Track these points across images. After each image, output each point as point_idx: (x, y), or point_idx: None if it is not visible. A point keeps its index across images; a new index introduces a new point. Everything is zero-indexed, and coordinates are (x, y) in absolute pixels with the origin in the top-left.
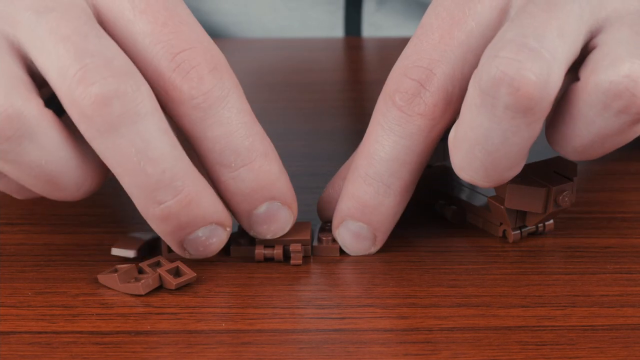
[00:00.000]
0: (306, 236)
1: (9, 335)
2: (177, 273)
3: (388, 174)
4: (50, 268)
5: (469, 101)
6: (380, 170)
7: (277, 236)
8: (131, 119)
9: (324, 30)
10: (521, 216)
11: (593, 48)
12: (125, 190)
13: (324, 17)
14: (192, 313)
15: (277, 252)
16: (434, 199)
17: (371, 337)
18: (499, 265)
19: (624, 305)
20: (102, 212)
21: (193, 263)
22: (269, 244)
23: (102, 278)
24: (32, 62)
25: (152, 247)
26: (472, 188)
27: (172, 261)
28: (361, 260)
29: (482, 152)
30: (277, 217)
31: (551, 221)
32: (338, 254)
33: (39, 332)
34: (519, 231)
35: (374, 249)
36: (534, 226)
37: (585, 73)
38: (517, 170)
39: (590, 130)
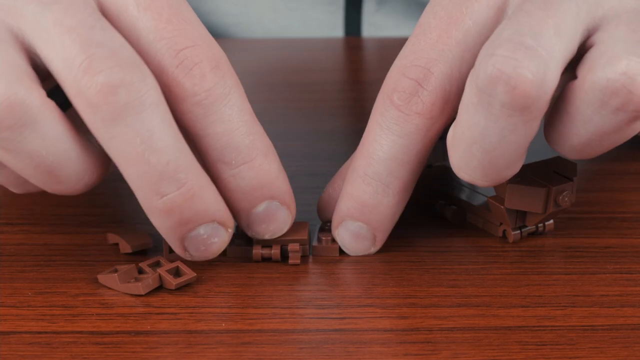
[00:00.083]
0: (304, 236)
1: (9, 335)
2: (177, 273)
3: (386, 173)
4: (50, 268)
5: (466, 100)
6: (379, 170)
7: (276, 236)
8: (136, 108)
9: (324, 30)
10: (521, 216)
11: (590, 46)
12: (128, 183)
13: (324, 17)
14: (192, 313)
15: (275, 251)
16: (434, 199)
17: (371, 337)
18: (499, 265)
19: (624, 305)
20: (102, 212)
21: (193, 263)
22: (266, 244)
23: (102, 278)
24: (35, 55)
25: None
26: (472, 188)
27: (172, 261)
28: (361, 260)
29: (479, 151)
30: (275, 217)
31: (551, 221)
32: (337, 254)
33: (39, 332)
34: (519, 231)
35: (373, 249)
36: (534, 226)
37: (583, 71)
38: (516, 169)
39: (588, 129)
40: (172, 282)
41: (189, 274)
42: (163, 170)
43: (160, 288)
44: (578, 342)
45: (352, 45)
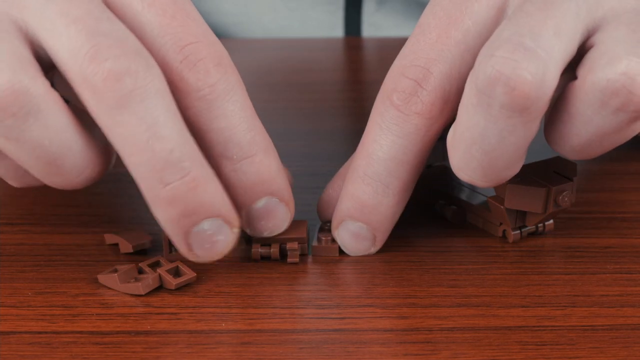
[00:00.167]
0: (302, 234)
1: (9, 335)
2: (177, 273)
3: (386, 173)
4: (50, 268)
5: (465, 101)
6: (379, 170)
7: (274, 234)
8: (142, 96)
9: (324, 30)
10: (521, 216)
11: (590, 47)
12: (132, 174)
13: (324, 17)
14: (192, 313)
15: (274, 250)
16: (434, 199)
17: (371, 337)
18: (499, 265)
19: (624, 305)
20: (102, 212)
21: (193, 263)
22: (265, 242)
23: (102, 278)
24: (39, 46)
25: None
26: (472, 188)
27: (172, 261)
28: (361, 260)
29: (479, 152)
30: (274, 214)
31: (551, 221)
32: (337, 254)
33: (39, 332)
34: (518, 231)
35: (373, 250)
36: (534, 226)
37: (583, 72)
38: (515, 169)
39: (588, 129)
40: (172, 282)
41: (189, 274)
42: (167, 158)
43: (160, 288)
44: (578, 342)
45: (352, 45)
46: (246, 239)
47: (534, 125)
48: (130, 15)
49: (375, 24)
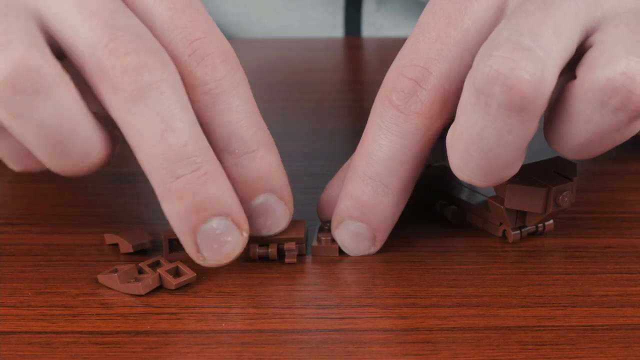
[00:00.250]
0: (300, 234)
1: (9, 335)
2: (177, 273)
3: (386, 173)
4: (50, 268)
5: (464, 100)
6: (378, 170)
7: (272, 233)
8: (158, 89)
9: (324, 30)
10: (521, 216)
11: (590, 46)
12: (144, 167)
13: (324, 17)
14: (192, 313)
15: (272, 250)
16: (434, 199)
17: (371, 337)
18: (499, 265)
19: (624, 305)
20: (102, 212)
21: (193, 263)
22: (263, 242)
23: (102, 278)
24: (52, 37)
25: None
26: (472, 188)
27: (172, 261)
28: (361, 260)
29: (478, 152)
30: (273, 211)
31: (551, 221)
32: (337, 254)
33: (39, 332)
34: (518, 231)
35: (373, 250)
36: (533, 226)
37: (582, 71)
38: (515, 169)
39: (587, 129)
40: (172, 282)
41: (189, 274)
42: (180, 152)
43: (160, 288)
44: (578, 342)
45: (352, 45)
46: None
47: (533, 124)
48: (141, 8)
49: (375, 24)
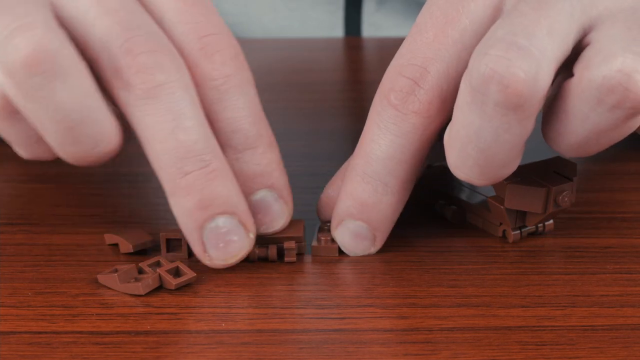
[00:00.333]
0: (299, 233)
1: (9, 335)
2: (177, 273)
3: (385, 172)
4: (50, 268)
5: (460, 99)
6: (378, 169)
7: (270, 230)
8: (171, 89)
9: (324, 30)
10: (521, 216)
11: (586, 45)
12: (153, 163)
13: (324, 17)
14: (192, 313)
15: (271, 251)
16: (434, 199)
17: (371, 337)
18: (499, 265)
19: (624, 305)
20: (102, 212)
21: (193, 263)
22: (262, 243)
23: (102, 278)
24: (66, 30)
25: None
26: (472, 188)
27: (172, 261)
28: (361, 260)
29: (474, 150)
30: (271, 208)
31: (551, 221)
32: (337, 254)
33: (39, 332)
34: (518, 231)
35: (373, 250)
36: (533, 226)
37: (579, 69)
38: (512, 168)
39: (584, 127)
40: (172, 282)
41: (189, 274)
42: (190, 149)
43: (160, 288)
44: (578, 342)
45: (352, 45)
46: None
47: (529, 123)
48: (154, 3)
49: (375, 24)
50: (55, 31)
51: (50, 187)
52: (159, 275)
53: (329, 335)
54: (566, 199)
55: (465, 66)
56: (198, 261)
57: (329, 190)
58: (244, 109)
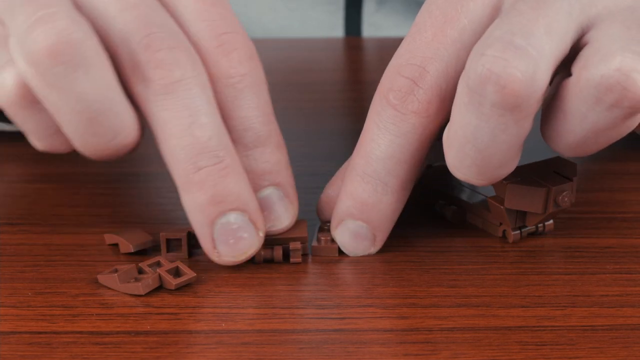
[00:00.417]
0: (303, 233)
1: (9, 335)
2: (177, 273)
3: (385, 172)
4: (50, 268)
5: (458, 99)
6: (378, 169)
7: (275, 229)
8: (188, 86)
9: (324, 30)
10: (521, 216)
11: (585, 44)
12: (167, 158)
13: (324, 17)
14: (192, 313)
15: (277, 252)
16: (434, 199)
17: (371, 337)
18: (499, 265)
19: (624, 305)
20: (102, 212)
21: (193, 263)
22: (267, 244)
23: (102, 278)
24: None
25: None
26: (472, 188)
27: (172, 261)
28: (361, 260)
29: (472, 150)
30: (277, 206)
31: (551, 221)
32: (337, 254)
33: (39, 332)
34: (518, 231)
35: (373, 250)
36: (533, 226)
37: (577, 69)
38: (511, 167)
39: (583, 126)
40: (172, 282)
41: (189, 274)
42: (205, 145)
43: (160, 288)
44: (578, 342)
45: (352, 45)
46: None
47: (526, 123)
48: (172, 1)
49: (376, 24)
50: (79, 22)
51: (50, 188)
52: (159, 275)
53: (329, 335)
54: (566, 199)
55: (463, 66)
56: (198, 261)
57: (329, 191)
58: (257, 109)
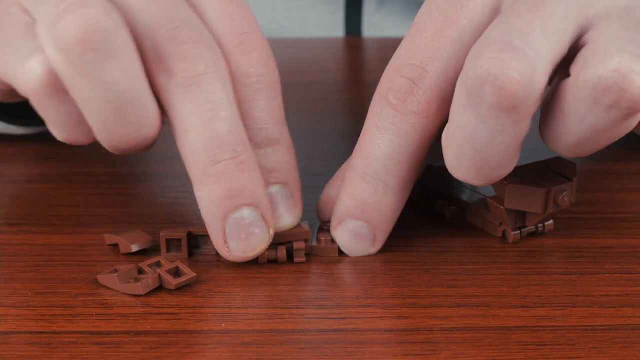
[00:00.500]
0: (306, 235)
1: (9, 335)
2: (177, 273)
3: (385, 172)
4: (50, 268)
5: (456, 100)
6: (378, 169)
7: (279, 226)
8: (211, 79)
9: (324, 30)
10: (521, 216)
11: (583, 45)
12: (185, 151)
13: (324, 17)
14: (192, 313)
15: (281, 253)
16: (434, 199)
17: (371, 337)
18: (499, 266)
19: (623, 305)
20: (102, 212)
21: (193, 263)
22: (271, 244)
23: (102, 278)
24: None
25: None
26: (472, 188)
27: (172, 261)
28: (361, 260)
29: (471, 151)
30: (282, 203)
31: (551, 221)
32: (337, 254)
33: (39, 332)
34: (518, 231)
35: (373, 250)
36: (533, 226)
37: (575, 69)
38: (509, 168)
39: (581, 127)
40: (172, 282)
41: (188, 274)
42: (224, 138)
43: (160, 288)
44: (578, 342)
45: (352, 45)
46: None
47: (524, 124)
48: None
49: (376, 24)
50: (110, 11)
51: (50, 188)
52: (159, 275)
53: (329, 335)
54: (566, 199)
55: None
56: (198, 261)
57: (329, 191)
58: (271, 111)
